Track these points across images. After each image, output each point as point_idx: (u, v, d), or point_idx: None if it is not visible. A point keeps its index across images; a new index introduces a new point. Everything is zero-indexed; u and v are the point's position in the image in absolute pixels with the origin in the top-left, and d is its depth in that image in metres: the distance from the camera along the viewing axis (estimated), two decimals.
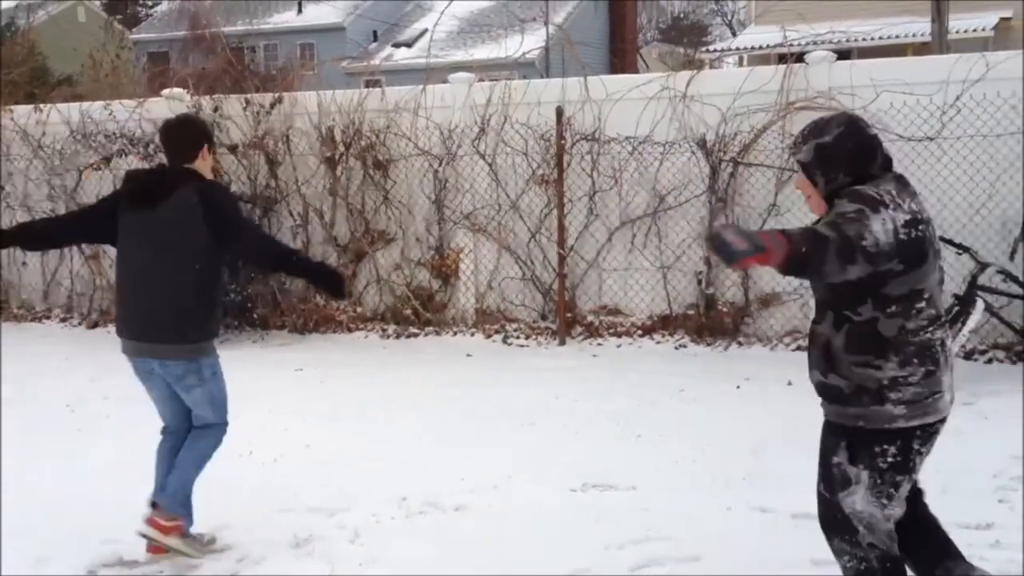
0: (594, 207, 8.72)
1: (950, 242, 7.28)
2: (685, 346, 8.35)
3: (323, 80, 12.68)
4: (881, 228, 3.00)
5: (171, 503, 4.38)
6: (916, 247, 3.08)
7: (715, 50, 29.98)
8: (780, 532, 4.63)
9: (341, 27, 35.54)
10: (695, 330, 8.41)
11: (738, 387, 7.11)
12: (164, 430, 4.60)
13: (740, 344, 8.26)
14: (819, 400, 3.39)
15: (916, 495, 3.44)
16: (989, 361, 7.44)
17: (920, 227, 3.09)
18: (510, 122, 8.83)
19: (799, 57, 8.18)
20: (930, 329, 3.15)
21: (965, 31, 23.24)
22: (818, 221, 3.17)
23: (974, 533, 4.46)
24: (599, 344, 8.59)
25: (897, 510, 3.27)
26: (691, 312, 8.50)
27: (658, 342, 8.49)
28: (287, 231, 9.53)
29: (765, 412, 6.50)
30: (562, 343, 8.64)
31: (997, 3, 25.05)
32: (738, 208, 8.27)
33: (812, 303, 8.07)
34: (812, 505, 4.79)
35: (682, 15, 55.91)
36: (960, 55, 7.92)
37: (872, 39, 21.44)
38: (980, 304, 6.82)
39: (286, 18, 35.59)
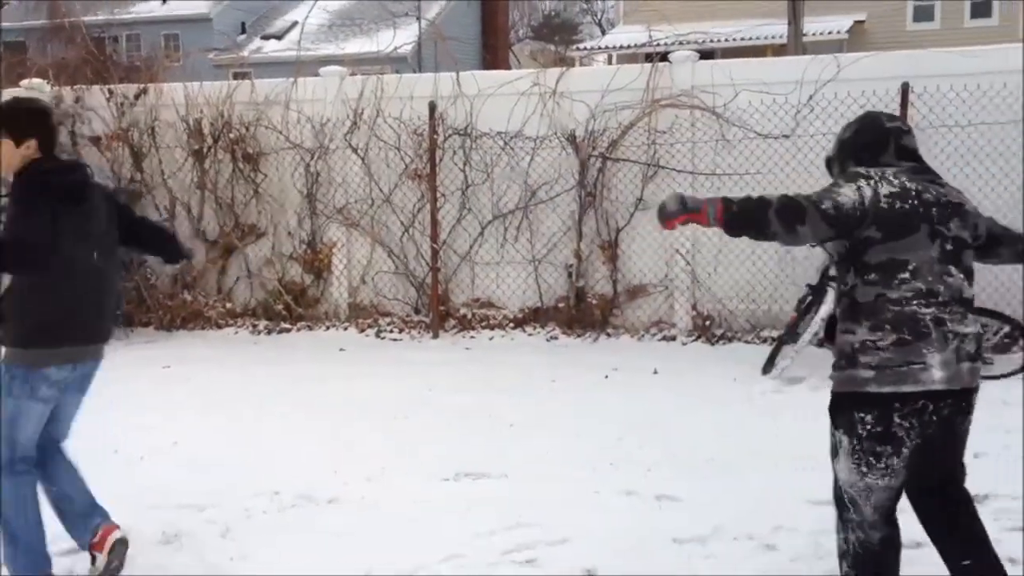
0: (467, 201, 8.81)
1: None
2: (556, 338, 8.52)
3: (189, 72, 12.41)
4: (854, 193, 3.19)
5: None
6: (899, 218, 3.20)
7: (585, 48, 30.49)
8: (644, 513, 4.79)
9: (207, 18, 34.73)
10: (566, 322, 8.59)
11: (606, 376, 7.30)
12: (28, 461, 3.95)
13: (609, 335, 8.48)
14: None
15: (949, 482, 3.44)
16: None
17: (910, 201, 3.22)
18: (383, 116, 8.86)
19: (664, 56, 8.43)
20: (915, 301, 3.19)
21: (822, 33, 24.26)
22: None
23: (825, 509, 4.67)
24: (472, 337, 8.69)
25: (880, 482, 3.28)
26: (562, 304, 8.67)
27: (530, 334, 8.63)
28: None
29: (631, 400, 6.69)
30: (435, 336, 8.71)
31: (852, 5, 26.20)
32: (607, 202, 8.48)
33: (677, 295, 8.39)
34: (674, 487, 5.04)
35: (553, 13, 56.47)
36: (813, 56, 8.31)
37: (735, 40, 22.18)
38: (831, 294, 7.15)
39: (150, 7, 34.55)
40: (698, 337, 8.25)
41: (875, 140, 3.45)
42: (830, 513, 4.59)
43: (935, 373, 3.17)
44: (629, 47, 24.30)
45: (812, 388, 6.84)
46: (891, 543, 3.39)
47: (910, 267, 3.21)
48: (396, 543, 4.49)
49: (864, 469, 3.29)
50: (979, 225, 3.41)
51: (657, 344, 8.22)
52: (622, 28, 27.64)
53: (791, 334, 7.23)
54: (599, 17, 51.62)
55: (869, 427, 3.24)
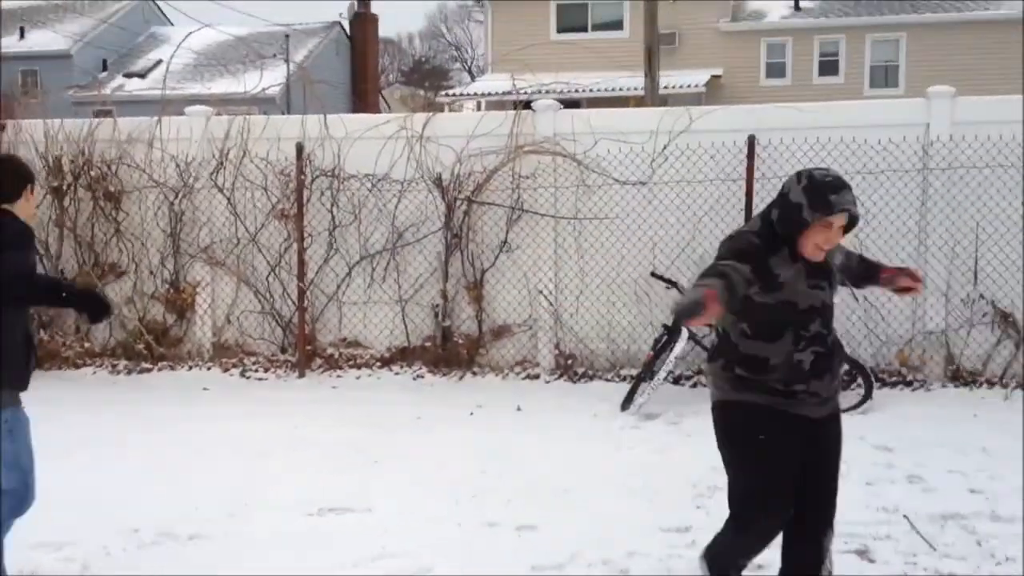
0: (334, 242, 8.89)
1: (660, 277, 7.99)
2: (423, 376, 8.64)
3: (48, 109, 12.14)
4: None
5: None
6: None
7: (453, 94, 30.93)
8: (505, 543, 4.94)
9: (68, 54, 33.93)
10: (432, 361, 8.73)
11: (471, 413, 7.46)
12: None
13: (475, 374, 8.64)
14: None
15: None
16: (694, 385, 8.17)
17: None
18: (249, 156, 8.89)
19: (527, 104, 8.73)
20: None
21: (681, 87, 25.29)
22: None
23: (674, 535, 4.96)
24: (339, 376, 8.74)
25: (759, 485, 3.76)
26: (428, 344, 8.81)
27: (396, 373, 8.73)
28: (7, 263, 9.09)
29: (495, 435, 6.86)
30: (302, 375, 8.72)
31: (709, 60, 27.40)
32: (472, 244, 8.69)
33: (541, 335, 8.56)
34: (534, 517, 5.20)
35: (424, 59, 56.99)
36: (667, 108, 8.73)
37: (599, 90, 22.90)
38: (685, 333, 7.50)
39: (7, 43, 33.52)
40: (560, 375, 8.49)
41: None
42: (679, 539, 4.89)
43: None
44: (496, 94, 24.81)
45: (668, 423, 7.17)
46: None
47: None
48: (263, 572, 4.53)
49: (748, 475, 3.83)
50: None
51: (521, 382, 8.43)
52: (490, 76, 28.19)
53: (648, 372, 7.54)
54: (469, 64, 52.38)
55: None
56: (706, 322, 3.44)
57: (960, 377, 7.95)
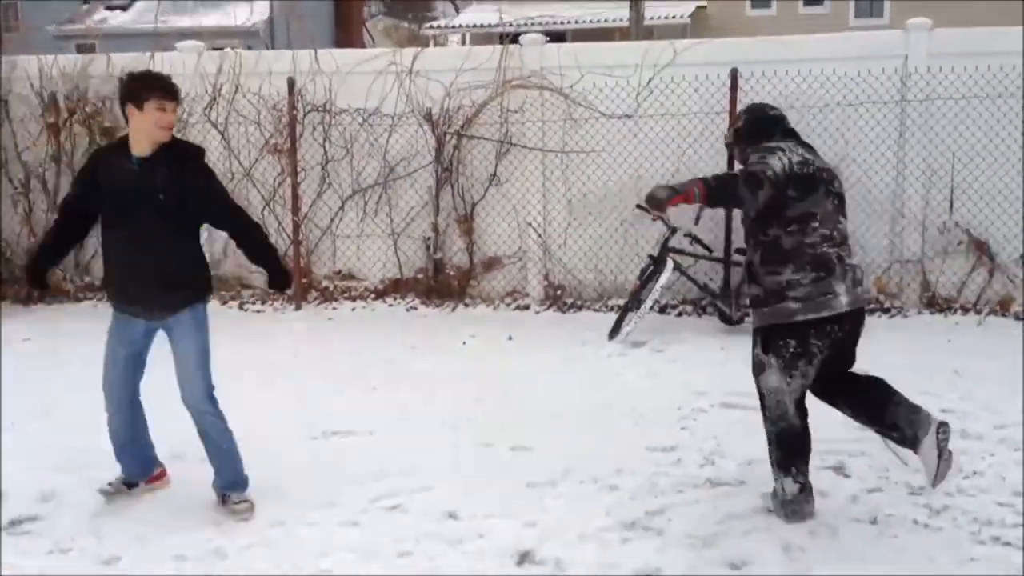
0: (327, 176, 9.06)
1: (645, 209, 8.18)
2: (416, 308, 8.87)
3: (30, 44, 12.16)
4: (779, 162, 4.09)
5: None
6: (807, 179, 4.11)
7: (438, 27, 30.71)
8: (500, 462, 5.23)
9: None
10: (425, 293, 8.96)
11: (464, 343, 7.71)
12: None
13: (466, 305, 8.88)
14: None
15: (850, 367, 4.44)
16: (679, 314, 8.43)
17: (809, 167, 4.14)
18: (242, 91, 9.00)
19: (515, 38, 8.85)
20: (824, 245, 4.15)
21: (665, 18, 25.18)
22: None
23: (660, 455, 5.26)
24: (334, 308, 8.96)
25: (797, 384, 4.25)
26: (421, 276, 9.03)
27: (390, 305, 8.96)
28: (7, 199, 9.25)
29: (487, 364, 7.12)
30: (298, 308, 8.94)
31: None
32: (462, 178, 8.87)
33: (530, 266, 8.82)
34: (527, 439, 5.48)
35: None
36: (651, 42, 8.87)
37: (584, 22, 22.85)
38: (670, 264, 7.74)
39: None
40: (550, 306, 8.74)
41: (767, 125, 4.42)
42: (664, 458, 5.19)
43: (842, 299, 4.16)
44: (482, 27, 24.71)
45: (654, 350, 7.44)
46: (807, 426, 4.36)
47: (819, 218, 4.15)
48: (269, 495, 4.76)
49: (788, 379, 4.24)
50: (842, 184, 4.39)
51: (512, 313, 8.68)
52: (476, 7, 28.00)
53: (635, 301, 7.78)
54: None
55: (793, 349, 4.20)
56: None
57: (935, 304, 8.23)
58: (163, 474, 4.97)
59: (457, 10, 39.81)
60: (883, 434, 4.55)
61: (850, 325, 4.27)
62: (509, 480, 4.96)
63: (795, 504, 4.37)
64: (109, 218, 4.52)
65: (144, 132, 4.40)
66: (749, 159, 4.27)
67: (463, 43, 27.96)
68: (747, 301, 4.56)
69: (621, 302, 8.19)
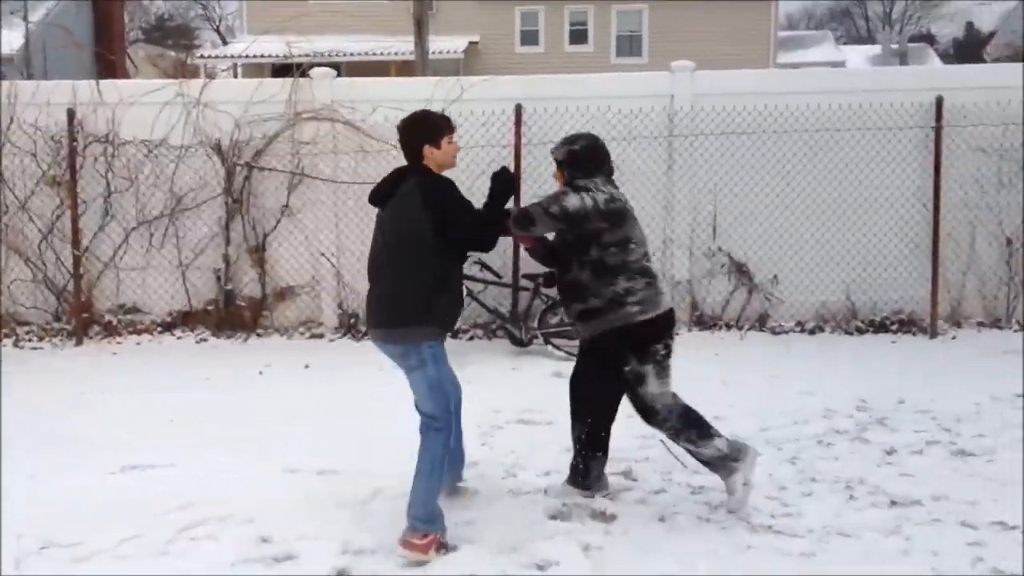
0: (110, 208, 8.85)
1: None
2: (206, 340, 8.79)
3: None
4: (579, 201, 4.63)
5: (415, 521, 4.47)
6: (618, 213, 4.68)
7: (209, 56, 30.10)
8: (309, 487, 5.31)
9: None
10: (215, 324, 8.89)
11: (261, 372, 7.73)
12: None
13: (259, 335, 8.88)
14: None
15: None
16: (471, 338, 8.77)
17: (616, 203, 4.70)
18: (17, 122, 8.67)
19: (304, 72, 8.97)
20: (644, 260, 4.76)
21: (440, 52, 25.72)
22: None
23: (465, 471, 5.48)
24: (118, 342, 8.75)
25: (671, 381, 4.78)
26: (211, 308, 8.96)
27: (179, 337, 8.83)
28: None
29: (286, 391, 7.18)
30: (79, 343, 8.67)
31: (467, 26, 27.98)
32: (254, 209, 8.88)
33: (324, 295, 8.88)
34: (334, 463, 5.59)
35: (167, 16, 54.47)
36: (440, 78, 9.19)
37: (361, 55, 23.04)
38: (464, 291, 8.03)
39: None
40: (345, 333, 8.87)
41: (600, 157, 4.88)
42: (469, 473, 5.42)
43: (666, 297, 4.82)
44: (256, 57, 24.46)
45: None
46: (689, 409, 4.86)
47: (634, 241, 4.74)
48: (71, 532, 4.67)
49: (666, 380, 4.76)
50: None
51: (306, 342, 8.75)
52: (247, 37, 27.65)
53: None
54: (218, 23, 50.70)
55: (662, 353, 4.72)
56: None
57: (703, 322, 8.94)
58: None
59: (223, 39, 39.08)
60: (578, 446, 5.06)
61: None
62: (320, 503, 5.05)
63: (736, 455, 4.81)
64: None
65: None
66: (554, 195, 4.76)
67: (234, 75, 27.54)
68: (574, 316, 4.89)
69: None
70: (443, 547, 4.47)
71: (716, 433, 4.86)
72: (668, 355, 4.78)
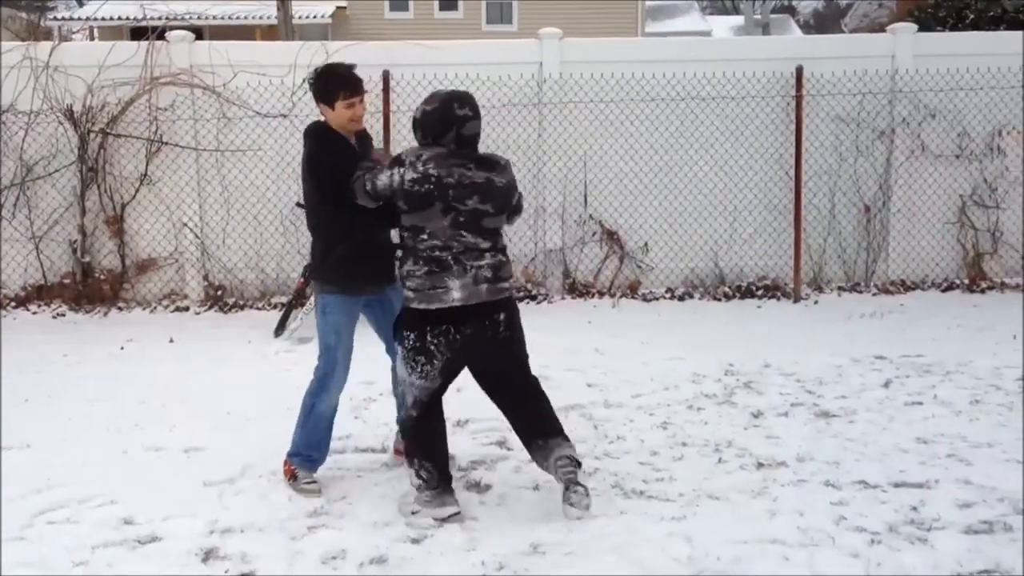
0: None
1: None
2: (64, 314, 8.42)
3: None
4: (387, 179, 4.31)
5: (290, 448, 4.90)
6: (418, 197, 4.26)
7: (62, 18, 28.74)
8: (174, 464, 5.15)
9: None
10: (73, 298, 8.52)
11: (122, 348, 7.44)
12: None
13: (120, 309, 8.55)
14: None
15: (513, 374, 4.63)
16: None
17: (427, 185, 4.24)
18: None
19: (161, 35, 8.61)
20: (437, 249, 4.29)
21: (307, 17, 25.18)
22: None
23: (337, 442, 5.40)
24: None
25: (423, 382, 4.41)
26: (67, 281, 8.57)
27: (34, 312, 8.44)
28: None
29: (149, 366, 6.94)
30: None
31: None
32: (110, 177, 8.51)
33: (188, 267, 8.62)
34: (200, 439, 5.44)
35: None
36: (304, 43, 8.95)
37: (223, 18, 22.35)
38: None
39: None
40: (211, 306, 8.61)
41: (442, 124, 4.34)
42: (341, 445, 5.34)
43: (454, 294, 4.31)
44: (111, 19, 23.48)
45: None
46: (434, 427, 4.53)
47: (427, 231, 4.31)
48: None
49: (409, 370, 4.43)
50: (508, 200, 4.47)
51: (171, 315, 8.46)
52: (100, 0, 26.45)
53: (299, 299, 7.86)
54: None
55: (411, 342, 4.39)
56: None
57: (576, 289, 9.01)
58: None
59: (80, 3, 37.37)
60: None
61: (473, 327, 4.36)
62: (185, 481, 4.90)
63: (419, 496, 4.44)
64: None
65: None
66: (380, 167, 4.41)
67: (90, 37, 26.38)
68: None
69: (284, 300, 8.24)
70: (295, 478, 4.83)
71: (421, 471, 4.44)
72: (420, 352, 4.37)
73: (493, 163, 4.46)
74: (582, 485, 4.45)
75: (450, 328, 4.33)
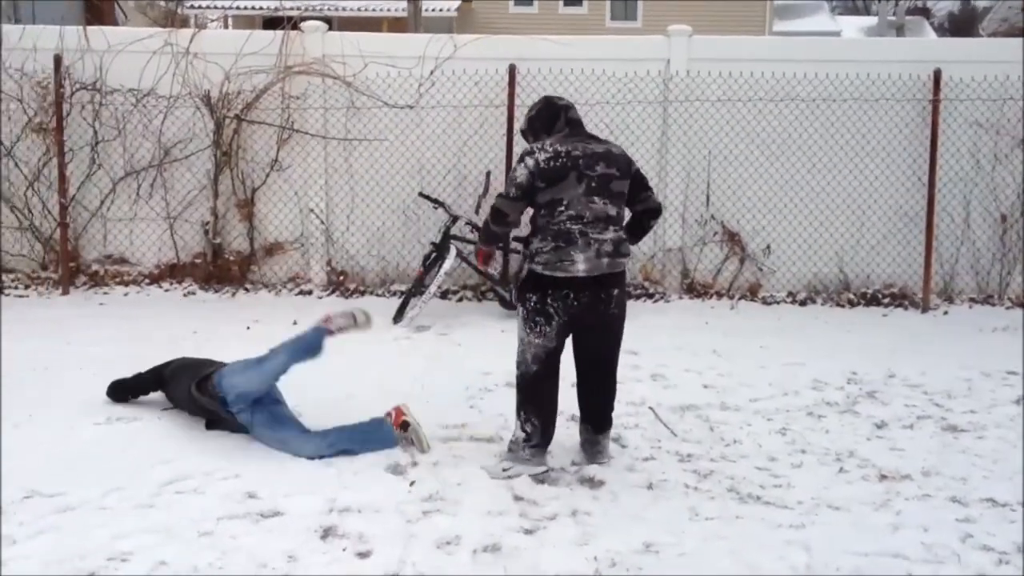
0: (97, 157, 8.72)
1: (427, 197, 8.40)
2: (194, 293, 8.70)
3: None
4: (523, 170, 4.67)
5: None
6: (553, 172, 4.63)
7: (199, 6, 29.68)
8: None
9: None
10: (203, 278, 8.80)
11: (248, 328, 7.65)
12: None
13: (247, 290, 8.80)
14: None
15: (600, 361, 4.93)
16: (460, 300, 8.71)
17: (559, 160, 4.64)
18: (3, 67, 8.51)
19: (295, 24, 8.82)
20: (568, 223, 4.63)
21: (433, 11, 25.50)
22: None
23: (453, 430, 5.47)
24: (105, 293, 8.65)
25: (540, 340, 4.74)
26: (199, 261, 8.86)
27: (166, 290, 8.75)
28: None
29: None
30: (65, 292, 8.57)
31: None
32: (242, 162, 8.77)
33: (312, 252, 8.83)
34: (321, 421, 5.54)
35: None
36: (432, 35, 9.06)
37: (353, 10, 22.77)
38: (453, 250, 7.98)
39: None
40: (333, 291, 8.80)
41: (550, 116, 4.88)
42: (458, 432, 5.40)
43: (580, 266, 4.65)
44: (247, 9, 24.17)
45: (438, 334, 7.66)
46: (550, 383, 4.85)
47: (564, 202, 4.65)
48: (53, 481, 4.62)
49: (528, 330, 4.77)
50: (629, 165, 4.86)
51: (295, 298, 8.67)
52: None
53: (418, 287, 7.97)
54: None
55: (532, 303, 4.73)
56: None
57: (694, 289, 8.91)
58: None
59: None
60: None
61: (589, 297, 4.69)
62: (305, 460, 5.02)
63: (516, 447, 4.85)
64: None
65: None
66: (509, 177, 4.81)
67: (224, 26, 27.19)
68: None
69: (404, 288, 8.36)
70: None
71: (526, 424, 4.85)
72: (540, 313, 4.73)
73: (603, 139, 4.89)
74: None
75: (569, 293, 4.68)
